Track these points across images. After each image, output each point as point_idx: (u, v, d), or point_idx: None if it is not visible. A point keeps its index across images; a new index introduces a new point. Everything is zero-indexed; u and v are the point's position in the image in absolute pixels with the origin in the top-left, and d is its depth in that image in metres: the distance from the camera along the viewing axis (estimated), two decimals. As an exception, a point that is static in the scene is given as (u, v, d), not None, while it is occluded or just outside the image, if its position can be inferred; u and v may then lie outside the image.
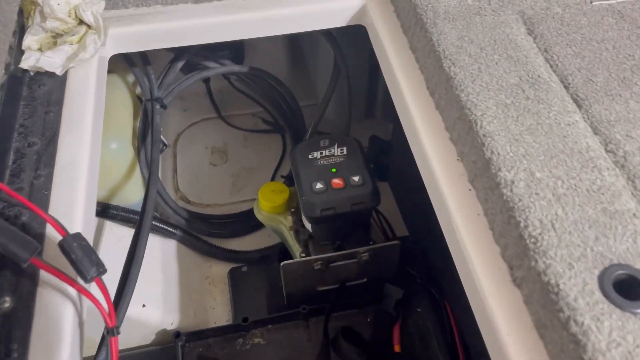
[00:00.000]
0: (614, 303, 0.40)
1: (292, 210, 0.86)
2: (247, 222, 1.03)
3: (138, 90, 0.99)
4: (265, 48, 1.18)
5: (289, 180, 1.00)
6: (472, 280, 0.48)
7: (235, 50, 1.10)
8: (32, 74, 0.62)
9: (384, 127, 1.09)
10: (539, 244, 0.43)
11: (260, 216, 0.90)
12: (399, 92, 0.64)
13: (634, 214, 0.45)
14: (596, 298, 0.40)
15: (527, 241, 0.44)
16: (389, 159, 1.08)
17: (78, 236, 0.44)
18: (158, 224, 0.95)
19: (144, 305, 0.85)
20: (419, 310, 0.88)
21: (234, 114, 1.25)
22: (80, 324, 0.46)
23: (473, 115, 0.52)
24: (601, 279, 0.41)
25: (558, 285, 0.41)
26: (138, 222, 0.66)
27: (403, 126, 0.63)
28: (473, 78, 0.55)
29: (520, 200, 0.46)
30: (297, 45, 1.22)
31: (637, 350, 0.38)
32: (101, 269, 0.44)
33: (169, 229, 0.96)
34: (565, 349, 0.40)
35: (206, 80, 1.18)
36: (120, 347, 0.86)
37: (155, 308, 0.86)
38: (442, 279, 0.88)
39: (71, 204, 0.52)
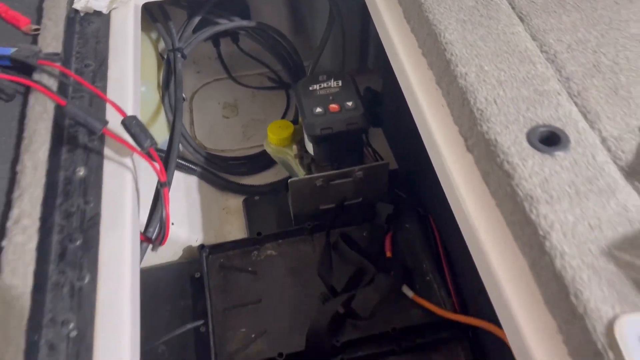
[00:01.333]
0: (536, 148, 0.53)
1: (297, 142, 1.00)
2: (257, 162, 1.17)
3: (159, 47, 1.13)
4: (269, 13, 1.31)
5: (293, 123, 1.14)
6: (437, 152, 0.62)
7: (242, 14, 1.23)
8: (82, 14, 0.76)
9: (375, 81, 1.23)
10: (484, 114, 0.57)
11: (269, 149, 1.04)
12: (382, 23, 0.77)
13: (558, 93, 0.59)
14: (524, 146, 0.54)
15: (476, 114, 0.58)
16: (381, 108, 1.22)
17: (134, 117, 0.58)
18: (181, 161, 1.09)
19: (172, 223, 0.99)
20: (407, 226, 1.02)
21: (242, 74, 1.39)
22: (137, 187, 0.60)
23: (438, 29, 0.66)
24: (529, 134, 0.55)
25: (496, 140, 0.55)
26: (170, 134, 0.80)
27: (385, 48, 0.76)
28: (439, 3, 0.69)
29: (471, 85, 0.60)
30: (297, 10, 1.36)
31: (551, 177, 0.51)
32: (154, 141, 0.58)
33: (190, 165, 1.10)
34: (502, 183, 0.53)
35: (217, 45, 1.31)
36: (154, 262, 1.01)
37: (182, 228, 1.01)
38: (427, 200, 1.02)
39: (123, 106, 0.66)
